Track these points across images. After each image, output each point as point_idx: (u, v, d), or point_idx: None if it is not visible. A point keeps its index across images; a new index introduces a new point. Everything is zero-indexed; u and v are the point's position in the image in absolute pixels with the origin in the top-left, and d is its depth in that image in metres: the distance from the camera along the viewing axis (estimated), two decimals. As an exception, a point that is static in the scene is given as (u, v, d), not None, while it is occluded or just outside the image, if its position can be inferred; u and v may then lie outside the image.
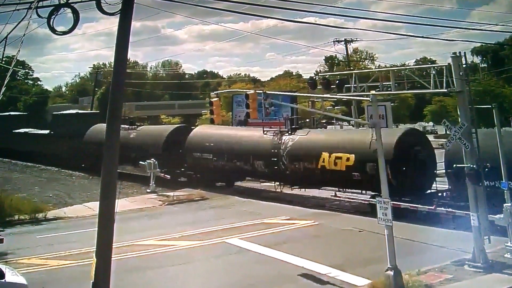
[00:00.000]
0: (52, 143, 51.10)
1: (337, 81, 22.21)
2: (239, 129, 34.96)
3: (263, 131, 30.78)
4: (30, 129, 60.37)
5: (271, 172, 30.02)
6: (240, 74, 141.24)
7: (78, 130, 47.16)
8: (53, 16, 10.53)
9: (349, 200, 27.31)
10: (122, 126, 40.72)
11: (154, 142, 38.42)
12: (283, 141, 29.21)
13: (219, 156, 33.39)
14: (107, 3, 10.45)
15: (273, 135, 30.16)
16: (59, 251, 19.96)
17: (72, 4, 10.60)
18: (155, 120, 76.26)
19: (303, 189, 30.06)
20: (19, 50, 13.10)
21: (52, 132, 53.75)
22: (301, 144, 28.40)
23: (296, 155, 28.22)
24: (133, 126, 41.87)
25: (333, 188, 27.63)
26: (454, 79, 17.07)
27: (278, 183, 31.16)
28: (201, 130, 37.08)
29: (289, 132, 29.74)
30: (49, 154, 51.03)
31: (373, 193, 23.92)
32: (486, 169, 16.84)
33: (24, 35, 12.32)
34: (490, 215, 17.03)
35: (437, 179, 24.96)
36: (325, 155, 26.26)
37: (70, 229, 24.21)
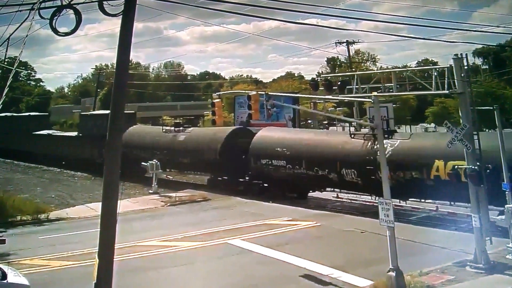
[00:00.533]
0: (81, 146, 46.75)
1: (339, 83, 22.17)
2: (318, 133, 30.24)
3: (350, 134, 25.80)
4: (54, 131, 57.43)
5: (366, 182, 25.23)
6: (242, 75, 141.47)
7: None
8: (56, 17, 10.55)
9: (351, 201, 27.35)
10: (167, 128, 38.74)
11: (210, 146, 34.24)
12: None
13: (296, 163, 28.82)
14: (109, 5, 10.48)
15: (364, 139, 25.23)
16: (61, 252, 19.99)
17: (75, 6, 10.62)
18: (157, 121, 76.20)
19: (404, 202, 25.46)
20: (21, 51, 13.09)
21: (80, 135, 49.09)
22: (404, 150, 23.85)
23: (399, 163, 23.17)
24: (180, 128, 37.58)
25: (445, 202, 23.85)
26: (455, 80, 17.08)
27: (373, 195, 26.10)
28: (268, 134, 32.02)
29: (386, 135, 23.88)
30: (78, 159, 46.63)
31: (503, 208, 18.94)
32: (488, 170, 16.83)
33: (26, 36, 12.34)
34: (492, 216, 17.05)
35: None
36: (439, 163, 21.88)
37: (72, 229, 24.25)
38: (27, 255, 19.60)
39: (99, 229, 10.47)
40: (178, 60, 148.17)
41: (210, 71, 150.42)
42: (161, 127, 39.99)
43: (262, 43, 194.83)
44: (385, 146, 22.51)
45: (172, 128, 37.89)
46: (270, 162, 30.34)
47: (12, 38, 12.93)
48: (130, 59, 12.60)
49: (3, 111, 63.66)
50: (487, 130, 32.42)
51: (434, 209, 23.23)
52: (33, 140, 55.25)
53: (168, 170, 39.14)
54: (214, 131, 35.81)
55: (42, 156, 52.00)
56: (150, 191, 34.24)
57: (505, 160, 17.27)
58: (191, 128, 37.89)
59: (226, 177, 33.85)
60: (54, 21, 10.59)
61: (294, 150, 29.19)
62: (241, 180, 33.12)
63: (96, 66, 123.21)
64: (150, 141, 38.90)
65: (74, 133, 51.34)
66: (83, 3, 10.93)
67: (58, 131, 58.04)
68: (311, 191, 30.95)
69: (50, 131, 56.53)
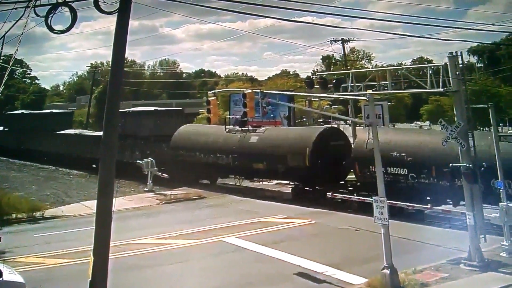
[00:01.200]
0: (120, 148, 40.51)
1: (334, 81, 22.26)
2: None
3: (500, 136, 20.05)
4: (82, 130, 52.71)
5: None
6: (238, 73, 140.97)
7: (157, 131, 38.42)
8: (51, 15, 10.53)
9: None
10: (231, 128, 32.53)
11: (294, 150, 28.63)
12: None
13: (423, 171, 23.16)
14: (105, 2, 10.45)
15: None
16: (57, 250, 19.98)
17: (70, 3, 10.59)
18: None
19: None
20: (17, 49, 13.11)
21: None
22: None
23: None
24: (248, 127, 29.61)
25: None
26: (450, 78, 17.16)
27: None
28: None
29: None
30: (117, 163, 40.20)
31: None
32: (482, 168, 16.92)
33: (22, 34, 12.34)
34: (486, 214, 17.13)
35: None
36: None
37: (68, 227, 24.20)
38: (22, 253, 19.55)
39: (94, 227, 10.48)
40: (174, 58, 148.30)
41: (206, 69, 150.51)
42: (223, 126, 34.04)
43: (258, 41, 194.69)
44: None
45: (237, 127, 30.75)
46: (383, 170, 23.81)
47: (7, 36, 12.95)
48: (126, 57, 12.61)
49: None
50: (481, 128, 32.53)
51: (428, 206, 23.28)
52: (58, 140, 49.83)
53: (237, 177, 34.90)
54: (298, 132, 31.02)
55: (69, 158, 46.62)
56: (145, 189, 34.20)
57: (499, 158, 17.37)
58: (264, 128, 32.00)
59: (319, 187, 28.34)
60: (49, 19, 10.57)
61: (418, 156, 23.49)
62: (343, 190, 27.29)
63: (91, 64, 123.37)
64: (210, 143, 34.29)
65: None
66: (79, 0, 10.90)
67: (88, 131, 53.10)
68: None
69: (77, 130, 51.69)
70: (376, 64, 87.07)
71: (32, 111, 64.04)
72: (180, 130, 37.18)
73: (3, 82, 14.08)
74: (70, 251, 19.55)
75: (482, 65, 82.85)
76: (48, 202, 31.03)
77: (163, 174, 34.78)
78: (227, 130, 32.30)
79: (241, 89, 26.35)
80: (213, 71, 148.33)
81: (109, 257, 10.51)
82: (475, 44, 73.87)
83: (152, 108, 45.62)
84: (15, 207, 27.30)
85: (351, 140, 29.00)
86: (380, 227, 14.75)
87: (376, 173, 15.32)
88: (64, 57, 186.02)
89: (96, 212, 10.59)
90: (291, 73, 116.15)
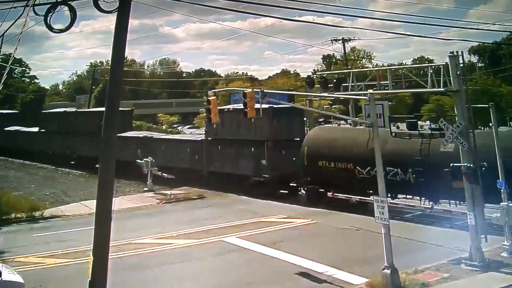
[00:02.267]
0: (218, 156, 33.30)
1: (334, 80, 22.21)
2: None
3: None
4: (142, 132, 43.05)
5: None
6: (238, 72, 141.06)
7: (274, 135, 29.99)
8: (50, 14, 10.49)
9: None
10: (400, 131, 20.06)
11: None
12: None
13: None
14: (104, 1, 10.42)
15: None
16: (56, 250, 19.95)
17: (69, 2, 10.55)
18: (152, 119, 76.16)
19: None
20: (16, 48, 13.10)
21: (209, 138, 34.37)
22: None
23: None
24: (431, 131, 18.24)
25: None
26: (451, 78, 17.11)
27: None
28: None
29: None
30: (194, 172, 33.36)
31: None
32: (483, 168, 16.86)
33: (21, 33, 12.32)
34: (487, 214, 17.09)
35: None
36: None
37: (67, 227, 24.17)
38: (21, 252, 19.52)
39: (94, 227, 10.44)
40: (174, 57, 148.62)
41: (206, 68, 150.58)
42: (388, 129, 20.28)
43: (258, 40, 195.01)
44: None
45: (406, 129, 19.42)
46: None
47: (6, 35, 12.93)
48: (125, 56, 12.56)
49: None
50: (482, 128, 32.50)
51: (430, 206, 23.22)
52: (123, 144, 37.70)
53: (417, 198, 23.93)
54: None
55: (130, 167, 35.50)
56: (146, 189, 34.13)
57: (500, 158, 17.31)
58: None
59: None
60: (49, 18, 10.52)
61: None
62: None
63: (91, 63, 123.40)
64: (370, 152, 21.18)
65: (192, 137, 38.17)
66: (78, -1, 10.86)
67: (155, 133, 44.24)
68: None
69: (145, 132, 42.20)
70: (376, 64, 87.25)
71: (77, 109, 57.51)
72: (314, 134, 28.94)
73: (2, 81, 14.04)
74: (69, 251, 19.53)
75: (483, 64, 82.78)
76: (47, 201, 31.05)
77: (163, 174, 34.63)
78: (393, 134, 20.74)
79: (242, 89, 26.27)
80: (213, 71, 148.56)
81: (109, 257, 10.47)
82: (476, 43, 73.81)
83: (266, 106, 36.99)
84: (15, 206, 27.29)
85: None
86: (381, 227, 14.70)
87: (377, 173, 15.24)
88: (64, 56, 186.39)
89: (96, 212, 10.55)
90: (291, 72, 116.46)
